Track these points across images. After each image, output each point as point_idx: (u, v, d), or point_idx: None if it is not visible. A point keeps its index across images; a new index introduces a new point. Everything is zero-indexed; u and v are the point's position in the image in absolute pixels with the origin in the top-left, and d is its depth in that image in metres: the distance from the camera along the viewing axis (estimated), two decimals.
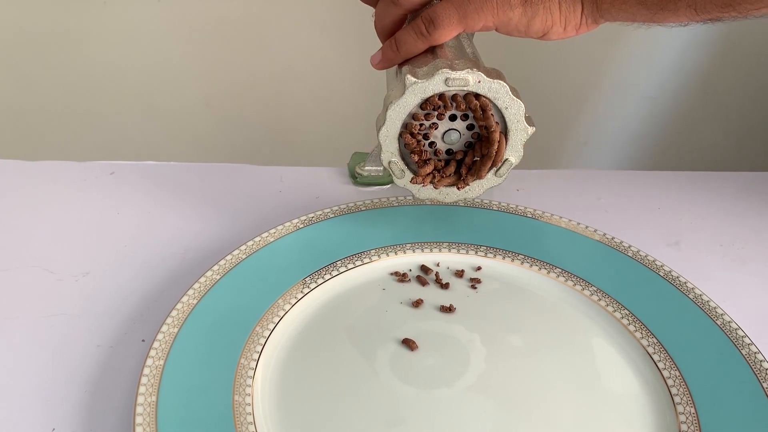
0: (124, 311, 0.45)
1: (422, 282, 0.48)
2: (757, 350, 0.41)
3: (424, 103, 0.42)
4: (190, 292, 0.43)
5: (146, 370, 0.37)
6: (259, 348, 0.41)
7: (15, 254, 0.50)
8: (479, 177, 0.45)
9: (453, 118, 0.43)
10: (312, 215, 0.52)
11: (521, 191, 0.61)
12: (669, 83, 1.04)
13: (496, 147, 0.43)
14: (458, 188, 0.46)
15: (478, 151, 0.44)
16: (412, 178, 0.45)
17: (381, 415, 0.37)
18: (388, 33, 0.46)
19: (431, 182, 0.45)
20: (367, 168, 0.59)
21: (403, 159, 0.45)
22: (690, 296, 0.45)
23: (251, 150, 1.15)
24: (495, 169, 0.45)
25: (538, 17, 0.43)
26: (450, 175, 0.45)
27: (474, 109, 0.42)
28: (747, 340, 0.41)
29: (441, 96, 0.41)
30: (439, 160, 0.45)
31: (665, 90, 1.05)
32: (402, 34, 0.43)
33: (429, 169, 0.45)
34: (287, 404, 0.38)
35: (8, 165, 0.61)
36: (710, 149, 1.11)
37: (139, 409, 0.35)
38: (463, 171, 0.45)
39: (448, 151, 0.45)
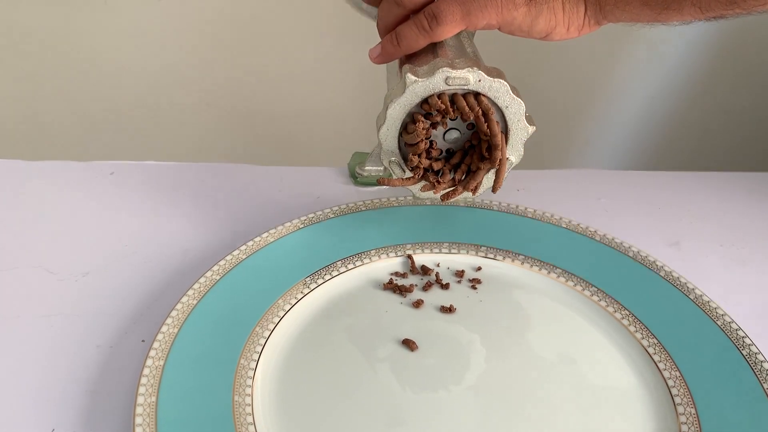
0: (124, 311, 0.45)
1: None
2: (757, 350, 0.41)
3: (425, 105, 0.42)
4: (190, 292, 0.43)
5: (146, 371, 0.37)
6: (259, 348, 0.41)
7: (15, 254, 0.50)
8: (475, 188, 0.44)
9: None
10: (312, 215, 0.51)
11: (521, 191, 0.61)
12: (669, 83, 1.04)
13: (499, 153, 0.42)
14: (456, 191, 0.45)
15: (476, 161, 0.44)
16: (408, 178, 0.45)
17: (381, 415, 0.37)
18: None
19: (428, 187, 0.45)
20: (367, 168, 0.59)
21: (403, 158, 0.45)
22: (690, 296, 0.45)
23: (251, 150, 1.15)
24: (495, 169, 0.44)
25: (541, 17, 0.42)
26: (447, 181, 0.45)
27: (477, 117, 0.41)
28: (747, 341, 0.41)
29: (440, 96, 0.41)
30: (437, 159, 0.45)
31: (665, 90, 1.05)
32: (403, 28, 0.43)
33: (428, 186, 0.45)
34: (287, 404, 0.38)
35: (8, 165, 0.61)
36: (710, 149, 1.11)
37: (138, 410, 0.35)
38: (457, 176, 0.45)
39: (448, 150, 0.45)
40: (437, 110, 0.41)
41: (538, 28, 0.43)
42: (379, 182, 0.45)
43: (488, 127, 0.41)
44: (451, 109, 0.41)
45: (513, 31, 0.43)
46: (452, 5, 0.42)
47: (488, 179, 0.45)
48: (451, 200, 0.46)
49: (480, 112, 0.41)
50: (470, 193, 0.45)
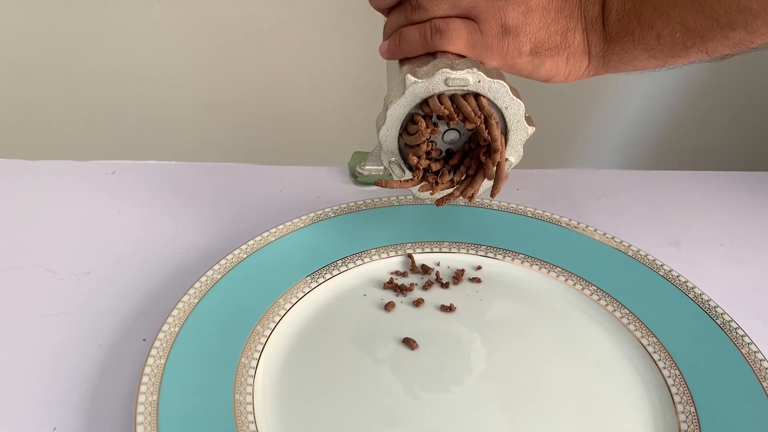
0: (124, 310, 0.45)
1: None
2: (757, 349, 0.41)
3: (425, 106, 0.41)
4: (191, 291, 0.43)
5: (147, 370, 0.37)
6: (259, 347, 0.41)
7: (15, 254, 0.50)
8: (471, 195, 0.44)
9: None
10: (312, 215, 0.52)
11: (521, 191, 0.61)
12: (669, 83, 1.04)
13: (498, 156, 0.42)
14: (452, 195, 0.45)
15: (474, 165, 0.44)
16: (406, 180, 0.45)
17: (381, 414, 0.37)
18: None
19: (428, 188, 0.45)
20: (367, 167, 0.59)
21: (402, 158, 0.45)
22: (690, 296, 0.45)
23: (251, 150, 1.15)
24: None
25: (543, 68, 0.43)
26: (446, 182, 0.45)
27: (478, 126, 0.41)
28: (747, 340, 0.41)
29: (440, 98, 0.41)
30: (437, 160, 0.45)
31: (665, 90, 1.05)
32: (407, 30, 0.43)
33: (426, 187, 0.45)
34: (288, 403, 0.38)
35: (8, 165, 0.61)
36: (710, 149, 1.11)
37: (140, 409, 0.35)
38: (456, 178, 0.45)
39: (448, 151, 0.45)
40: (440, 115, 0.41)
41: (537, 75, 0.44)
42: (377, 184, 0.45)
43: (488, 132, 0.41)
44: (455, 115, 0.41)
45: (513, 73, 0.44)
46: (461, 30, 0.42)
47: (487, 181, 0.45)
48: (450, 202, 0.45)
49: (483, 118, 0.41)
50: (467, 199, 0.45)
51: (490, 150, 0.42)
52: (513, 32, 0.42)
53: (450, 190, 0.45)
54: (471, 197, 0.45)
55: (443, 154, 0.45)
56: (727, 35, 0.38)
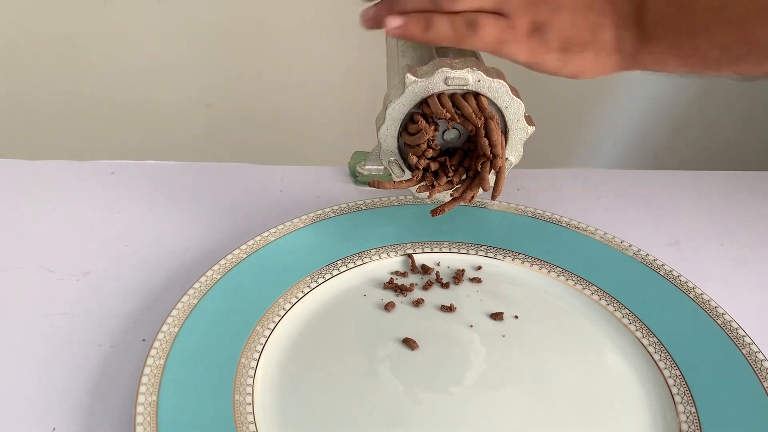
0: (124, 311, 0.45)
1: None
2: (757, 349, 0.41)
3: (425, 106, 0.41)
4: (191, 291, 0.43)
5: (147, 370, 0.37)
6: (259, 347, 0.41)
7: (15, 254, 0.50)
8: (471, 198, 0.44)
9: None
10: (312, 215, 0.52)
11: (521, 191, 0.61)
12: (669, 83, 1.04)
13: (500, 161, 0.42)
14: (451, 203, 0.45)
15: (474, 167, 0.43)
16: (401, 181, 0.45)
17: (381, 414, 0.37)
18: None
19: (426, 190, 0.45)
20: (367, 167, 0.59)
21: (402, 158, 0.45)
22: (690, 295, 0.45)
23: (251, 150, 1.15)
24: (493, 171, 0.44)
25: (571, 64, 0.42)
26: (444, 183, 0.45)
27: (477, 128, 0.41)
28: (747, 340, 0.41)
29: (440, 97, 0.41)
30: (435, 159, 0.45)
31: (666, 90, 1.05)
32: (438, 19, 0.41)
33: (423, 188, 0.44)
34: (288, 404, 0.38)
35: (8, 165, 0.61)
36: (710, 149, 1.11)
37: (139, 409, 0.35)
38: (455, 179, 0.44)
39: (447, 151, 0.45)
40: (440, 118, 0.41)
41: (565, 72, 0.43)
42: (371, 185, 0.45)
43: (489, 135, 0.41)
44: (456, 117, 0.41)
45: (540, 71, 0.43)
46: (493, 26, 0.40)
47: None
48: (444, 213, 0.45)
49: (484, 121, 0.40)
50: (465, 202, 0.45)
51: (493, 155, 0.42)
52: (542, 29, 0.41)
53: (447, 193, 0.45)
54: (470, 200, 0.45)
55: (442, 152, 0.45)
56: (762, 62, 0.38)
